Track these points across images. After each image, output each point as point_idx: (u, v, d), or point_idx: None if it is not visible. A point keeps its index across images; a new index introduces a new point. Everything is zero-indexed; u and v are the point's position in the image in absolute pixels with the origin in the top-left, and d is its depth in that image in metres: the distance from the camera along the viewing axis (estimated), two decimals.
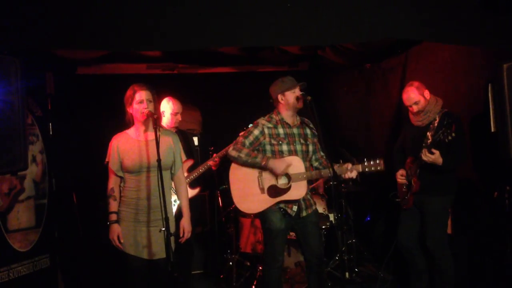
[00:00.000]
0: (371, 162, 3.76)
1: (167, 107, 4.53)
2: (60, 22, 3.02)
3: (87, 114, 5.64)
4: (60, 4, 3.02)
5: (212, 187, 5.41)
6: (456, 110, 4.15)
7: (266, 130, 3.88)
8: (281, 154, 3.85)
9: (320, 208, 5.20)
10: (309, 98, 3.73)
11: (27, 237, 4.51)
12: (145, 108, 3.36)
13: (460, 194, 4.14)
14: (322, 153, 3.97)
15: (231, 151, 3.91)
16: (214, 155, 4.62)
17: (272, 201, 3.82)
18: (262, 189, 3.86)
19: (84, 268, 5.27)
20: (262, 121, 3.94)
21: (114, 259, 3.55)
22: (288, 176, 3.80)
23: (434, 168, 3.92)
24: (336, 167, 3.75)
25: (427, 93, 4.09)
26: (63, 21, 3.02)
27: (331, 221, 5.41)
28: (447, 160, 3.87)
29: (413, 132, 4.19)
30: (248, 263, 5.30)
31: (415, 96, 4.08)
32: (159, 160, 3.14)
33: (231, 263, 5.26)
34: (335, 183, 3.73)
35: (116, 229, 3.37)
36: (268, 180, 3.85)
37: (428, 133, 3.99)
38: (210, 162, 4.58)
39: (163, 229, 3.09)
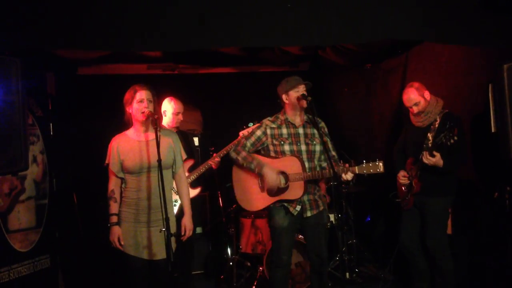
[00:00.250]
0: (370, 164, 3.67)
1: (169, 107, 4.53)
2: (60, 22, 3.02)
3: (87, 115, 5.64)
4: (61, 4, 3.02)
5: (213, 187, 5.42)
6: (456, 110, 4.15)
7: (268, 131, 3.90)
8: (283, 154, 3.86)
9: None
10: (309, 98, 3.73)
11: (28, 238, 4.51)
12: (146, 108, 3.36)
13: (461, 194, 4.14)
14: (333, 153, 3.94)
15: (231, 152, 3.98)
16: (214, 154, 4.63)
17: (271, 199, 3.86)
18: (262, 188, 3.90)
19: (85, 268, 5.27)
20: (266, 121, 3.96)
21: (114, 260, 3.55)
22: (286, 176, 3.81)
23: (435, 170, 3.93)
24: (338, 168, 3.75)
25: (427, 94, 4.09)
26: (64, 21, 3.03)
27: (332, 221, 5.41)
28: (447, 163, 3.87)
29: (414, 133, 4.19)
30: (249, 264, 5.30)
31: (415, 97, 4.08)
32: (159, 160, 3.14)
33: (231, 263, 5.26)
34: (335, 183, 3.73)
35: (116, 231, 3.37)
36: None
37: (428, 134, 3.99)
38: (210, 162, 4.58)
39: (164, 229, 3.09)
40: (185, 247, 4.06)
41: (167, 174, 3.46)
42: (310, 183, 3.86)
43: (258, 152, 3.99)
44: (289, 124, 3.92)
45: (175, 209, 4.17)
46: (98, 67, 5.67)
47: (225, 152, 4.52)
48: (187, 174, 4.33)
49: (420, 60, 5.11)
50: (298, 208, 3.84)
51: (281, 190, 3.82)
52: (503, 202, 3.87)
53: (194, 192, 4.45)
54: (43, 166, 4.87)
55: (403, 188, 4.21)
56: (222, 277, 5.38)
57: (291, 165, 3.81)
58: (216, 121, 6.26)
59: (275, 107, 4.05)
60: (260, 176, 3.87)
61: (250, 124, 4.45)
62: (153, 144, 3.30)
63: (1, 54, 2.92)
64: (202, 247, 5.71)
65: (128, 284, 3.41)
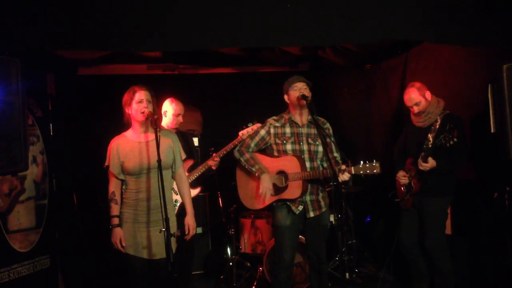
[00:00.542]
0: (367, 165, 3.66)
1: (170, 108, 4.54)
2: (60, 22, 3.02)
3: (87, 115, 5.64)
4: (61, 5, 3.02)
5: (213, 187, 5.42)
6: (456, 111, 4.16)
7: (272, 130, 3.92)
8: (285, 153, 3.88)
9: None
10: (309, 99, 3.74)
11: (28, 238, 4.51)
12: (145, 108, 3.37)
13: (460, 194, 4.15)
14: (336, 154, 3.95)
15: (235, 151, 4.04)
16: (214, 155, 4.63)
17: (272, 199, 3.87)
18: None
19: (85, 268, 5.27)
20: (270, 120, 3.98)
21: (114, 260, 3.55)
22: (285, 175, 3.82)
23: (433, 170, 3.93)
24: (337, 168, 3.75)
25: (428, 94, 4.09)
26: (64, 21, 3.03)
27: (331, 221, 5.41)
28: (446, 163, 3.89)
29: (415, 133, 4.20)
30: (248, 264, 5.30)
31: (416, 97, 4.08)
32: (159, 161, 3.15)
33: (231, 263, 5.26)
34: (335, 183, 3.73)
35: (118, 233, 3.38)
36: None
37: (429, 135, 3.99)
38: (210, 162, 4.58)
39: (163, 229, 3.10)
40: (185, 247, 4.06)
41: (167, 174, 3.47)
42: (312, 183, 3.86)
43: (262, 150, 4.01)
44: (293, 123, 3.92)
45: (175, 210, 4.17)
46: (98, 68, 5.67)
47: (224, 152, 4.52)
48: (187, 174, 4.33)
49: (419, 61, 5.11)
50: (300, 208, 3.84)
51: (280, 190, 3.84)
52: (502, 202, 3.87)
53: (194, 192, 4.44)
54: (43, 166, 4.88)
55: (402, 188, 4.22)
56: (222, 277, 5.38)
57: (290, 165, 3.82)
58: (216, 121, 6.26)
59: (275, 107, 4.06)
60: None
61: (250, 125, 4.45)
62: (153, 144, 3.30)
63: (1, 55, 2.91)
64: (202, 247, 5.72)
65: (128, 284, 3.41)
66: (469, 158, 4.08)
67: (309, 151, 3.88)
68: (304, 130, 3.92)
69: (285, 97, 3.94)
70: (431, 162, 3.89)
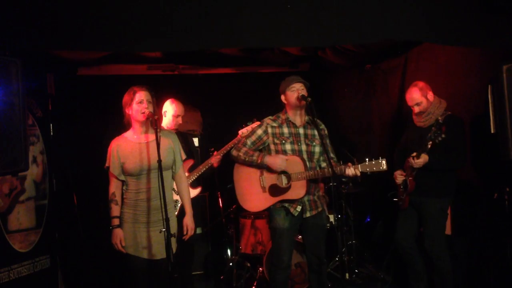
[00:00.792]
0: (373, 162, 3.70)
1: (170, 109, 4.55)
2: (60, 23, 3.02)
3: (87, 115, 5.65)
4: (61, 5, 3.02)
5: (213, 187, 5.42)
6: (456, 111, 4.16)
7: (269, 130, 3.90)
8: (284, 153, 3.86)
9: None
10: (309, 99, 3.73)
11: (28, 238, 4.51)
12: (146, 108, 3.37)
13: (460, 195, 4.15)
14: (332, 155, 3.94)
15: (233, 150, 3.98)
16: (215, 152, 4.63)
17: (273, 200, 3.85)
18: (263, 188, 3.89)
19: (85, 268, 5.28)
20: (267, 120, 3.97)
21: (115, 260, 3.56)
22: (288, 175, 3.81)
23: (432, 170, 3.94)
24: (338, 167, 3.75)
25: (430, 95, 4.08)
26: (64, 22, 3.03)
27: (331, 222, 5.41)
28: (436, 158, 3.89)
29: (415, 133, 4.20)
30: (248, 264, 5.30)
31: (417, 97, 4.08)
32: (159, 161, 3.15)
33: (231, 264, 5.26)
34: (335, 183, 3.73)
35: (118, 234, 3.38)
36: (269, 179, 3.88)
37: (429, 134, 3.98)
38: (212, 159, 4.59)
39: (164, 229, 3.10)
40: (185, 248, 4.06)
41: (167, 175, 3.47)
42: (311, 183, 3.87)
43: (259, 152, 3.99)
44: (290, 123, 3.92)
45: (176, 210, 4.17)
46: (98, 68, 5.68)
47: (224, 151, 4.53)
48: (187, 174, 4.33)
49: (419, 61, 5.12)
50: (299, 208, 3.84)
51: (283, 190, 3.82)
52: (502, 203, 3.87)
53: (194, 192, 4.45)
54: (43, 166, 4.88)
55: (401, 188, 4.22)
56: (222, 277, 5.38)
57: (293, 165, 3.81)
58: (216, 121, 6.26)
59: (275, 107, 4.05)
60: (263, 166, 3.83)
61: (249, 123, 4.45)
62: (153, 145, 3.31)
63: (1, 55, 2.92)
64: (202, 248, 5.72)
65: (128, 284, 3.42)
66: (468, 158, 4.09)
67: (307, 151, 3.88)
68: (302, 131, 3.92)
69: (282, 97, 3.94)
70: (423, 158, 3.89)
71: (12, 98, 2.92)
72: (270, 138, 3.90)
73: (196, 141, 5.73)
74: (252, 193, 3.94)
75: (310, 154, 3.90)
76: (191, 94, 5.92)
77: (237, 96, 6.31)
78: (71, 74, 5.60)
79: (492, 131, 3.62)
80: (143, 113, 3.37)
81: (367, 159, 3.72)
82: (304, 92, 3.82)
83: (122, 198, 3.46)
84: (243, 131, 4.35)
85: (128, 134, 3.50)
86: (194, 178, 4.55)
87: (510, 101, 3.27)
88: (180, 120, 4.57)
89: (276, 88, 3.99)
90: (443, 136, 3.74)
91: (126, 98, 3.44)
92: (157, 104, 3.62)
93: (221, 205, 5.38)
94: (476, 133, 4.23)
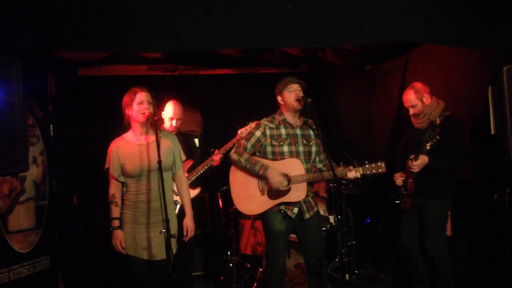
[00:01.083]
0: (373, 165, 3.75)
1: (166, 110, 4.56)
2: (61, 23, 3.02)
3: (88, 116, 5.65)
4: (61, 6, 3.02)
5: (213, 188, 5.42)
6: (456, 112, 4.16)
7: (267, 131, 3.89)
8: (281, 155, 3.85)
9: (320, 210, 5.19)
10: (309, 100, 3.72)
11: (28, 239, 4.51)
12: (146, 109, 3.37)
13: (460, 196, 4.15)
14: (325, 154, 3.93)
15: (232, 154, 3.93)
16: (216, 151, 4.62)
17: (272, 202, 3.83)
18: (262, 191, 3.87)
19: (85, 269, 5.27)
20: (264, 121, 3.95)
21: (114, 261, 3.56)
22: (288, 178, 3.80)
23: (432, 171, 3.93)
24: (339, 169, 3.75)
25: (426, 97, 4.08)
26: (64, 22, 3.03)
27: (331, 223, 5.41)
28: (436, 158, 3.89)
29: (414, 134, 4.20)
30: (248, 265, 5.29)
31: (412, 99, 4.10)
32: (159, 162, 3.14)
33: (231, 264, 5.25)
34: (335, 185, 3.73)
35: (119, 235, 3.38)
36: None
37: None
38: (214, 157, 4.58)
39: (163, 230, 3.10)
40: (185, 248, 4.06)
41: (167, 176, 3.47)
42: (308, 185, 3.86)
43: (253, 154, 3.96)
44: (287, 124, 3.92)
45: (176, 211, 4.17)
46: (98, 69, 5.68)
47: (224, 151, 4.53)
48: (186, 175, 4.33)
49: (419, 62, 5.11)
50: (296, 210, 3.83)
51: (282, 193, 3.81)
52: (502, 204, 3.87)
53: (193, 193, 4.44)
54: (43, 167, 4.87)
55: (402, 190, 4.22)
56: (221, 278, 5.37)
57: (293, 167, 3.80)
58: (216, 122, 6.26)
59: (275, 108, 4.05)
60: (264, 178, 3.83)
61: (248, 123, 4.45)
62: (153, 146, 3.31)
63: (1, 55, 2.92)
64: (202, 249, 5.72)
65: (128, 285, 3.41)
66: (467, 160, 4.08)
67: (304, 152, 3.88)
68: (299, 131, 3.92)
69: (279, 98, 3.93)
70: (422, 159, 3.89)
71: (12, 98, 2.92)
72: (268, 140, 3.88)
73: (196, 141, 5.73)
74: (250, 195, 3.90)
75: (308, 154, 3.89)
76: (191, 95, 5.92)
77: (237, 97, 6.31)
78: (71, 74, 5.59)
79: (492, 132, 3.62)
80: (143, 113, 3.37)
81: (366, 162, 3.75)
82: (301, 93, 3.82)
83: (122, 199, 3.46)
84: (242, 131, 4.35)
85: (128, 135, 3.50)
86: (193, 178, 4.54)
87: (510, 102, 3.27)
88: (176, 123, 4.55)
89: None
90: (437, 138, 3.74)
91: (126, 98, 3.44)
92: (158, 105, 3.62)
93: (221, 205, 5.38)
94: (476, 134, 4.23)
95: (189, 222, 3.54)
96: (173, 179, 3.60)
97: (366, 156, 3.96)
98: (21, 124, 2.96)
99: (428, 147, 3.86)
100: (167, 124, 4.54)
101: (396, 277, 4.96)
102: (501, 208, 3.88)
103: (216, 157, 4.59)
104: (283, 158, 3.85)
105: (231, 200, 4.00)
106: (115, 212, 3.43)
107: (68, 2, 3.05)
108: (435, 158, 3.91)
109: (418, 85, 4.15)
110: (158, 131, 3.21)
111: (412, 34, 3.43)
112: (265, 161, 3.86)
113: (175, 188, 3.68)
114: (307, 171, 3.82)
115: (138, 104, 3.39)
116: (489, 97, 3.74)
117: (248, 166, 3.84)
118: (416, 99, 4.07)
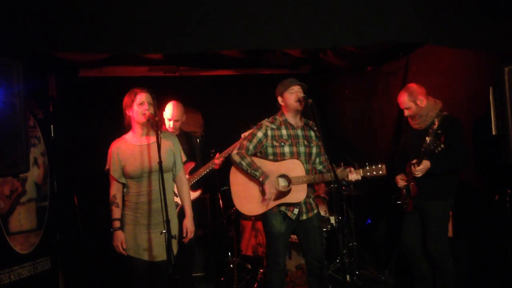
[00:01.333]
0: (373, 167, 3.77)
1: (166, 111, 4.56)
2: (62, 24, 3.03)
3: (88, 117, 5.65)
4: (62, 7, 3.02)
5: (213, 189, 5.41)
6: (457, 113, 4.15)
7: (269, 132, 3.89)
8: (282, 156, 3.85)
9: (321, 210, 5.20)
10: (310, 101, 3.72)
11: (28, 240, 4.51)
12: (147, 110, 3.37)
13: (461, 197, 4.14)
14: (325, 156, 3.95)
15: (234, 155, 3.91)
16: (217, 154, 4.62)
17: (272, 203, 3.83)
18: (262, 192, 3.86)
19: (85, 270, 5.27)
20: (265, 122, 3.95)
21: (115, 261, 3.56)
22: (288, 179, 3.80)
23: (433, 173, 3.93)
24: (338, 170, 3.75)
25: (421, 99, 4.06)
26: (65, 23, 3.03)
27: (332, 223, 5.41)
28: (438, 162, 3.89)
29: (413, 135, 4.20)
30: (249, 266, 5.29)
31: (405, 101, 4.11)
32: (160, 162, 3.14)
33: (232, 265, 5.25)
34: (336, 185, 3.73)
35: (119, 236, 3.38)
36: None
37: (427, 138, 3.96)
38: (216, 161, 4.58)
39: (164, 231, 3.09)
40: (185, 250, 4.05)
41: (167, 177, 3.46)
42: (309, 186, 3.86)
43: (254, 154, 3.96)
44: (288, 125, 3.92)
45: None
46: (99, 70, 5.68)
47: (229, 152, 4.52)
48: (187, 177, 4.33)
49: (421, 63, 5.11)
50: (296, 211, 3.83)
51: (282, 194, 3.81)
52: (504, 205, 3.86)
53: (194, 195, 4.45)
54: (44, 168, 4.87)
55: (403, 191, 4.22)
56: (222, 279, 5.37)
57: (294, 168, 3.80)
58: (217, 123, 6.26)
59: (276, 109, 4.05)
60: (261, 185, 3.82)
61: (253, 126, 4.44)
62: (153, 147, 3.30)
63: (2, 56, 2.92)
64: (203, 250, 5.71)
65: (129, 286, 3.41)
66: (470, 160, 4.08)
67: (305, 153, 3.88)
68: (300, 132, 3.92)
69: (279, 99, 3.94)
70: (425, 164, 3.90)
71: (13, 99, 2.91)
72: (269, 141, 3.88)
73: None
74: (250, 196, 3.89)
75: (308, 155, 3.89)
76: (192, 96, 5.91)
77: (237, 98, 6.32)
78: (72, 75, 5.60)
79: (493, 133, 3.61)
80: (144, 114, 3.37)
81: (367, 164, 3.77)
82: (302, 94, 3.83)
83: (123, 201, 3.46)
84: (245, 134, 4.35)
85: (128, 136, 3.49)
86: (194, 180, 4.54)
87: (511, 103, 3.27)
88: (173, 124, 4.55)
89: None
90: (442, 146, 3.75)
91: (126, 99, 3.44)
92: (158, 106, 3.62)
93: (222, 206, 5.38)
94: (477, 135, 4.23)
95: (188, 223, 3.53)
96: (174, 180, 3.60)
97: (367, 158, 3.96)
98: (22, 125, 2.96)
99: (424, 149, 3.87)
100: (166, 125, 4.54)
101: (397, 278, 4.95)
102: (502, 209, 3.88)
103: (218, 161, 4.58)
104: (284, 159, 3.84)
105: (232, 201, 4.00)
106: (116, 213, 3.42)
107: (69, 4, 3.05)
108: (437, 163, 3.90)
109: (413, 87, 4.14)
110: (159, 132, 3.21)
111: (413, 35, 3.43)
112: (262, 164, 3.85)
113: (175, 189, 3.67)
114: (308, 172, 3.82)
115: (138, 105, 3.39)
116: (491, 98, 3.73)
117: (249, 170, 3.83)
118: (410, 101, 4.07)
